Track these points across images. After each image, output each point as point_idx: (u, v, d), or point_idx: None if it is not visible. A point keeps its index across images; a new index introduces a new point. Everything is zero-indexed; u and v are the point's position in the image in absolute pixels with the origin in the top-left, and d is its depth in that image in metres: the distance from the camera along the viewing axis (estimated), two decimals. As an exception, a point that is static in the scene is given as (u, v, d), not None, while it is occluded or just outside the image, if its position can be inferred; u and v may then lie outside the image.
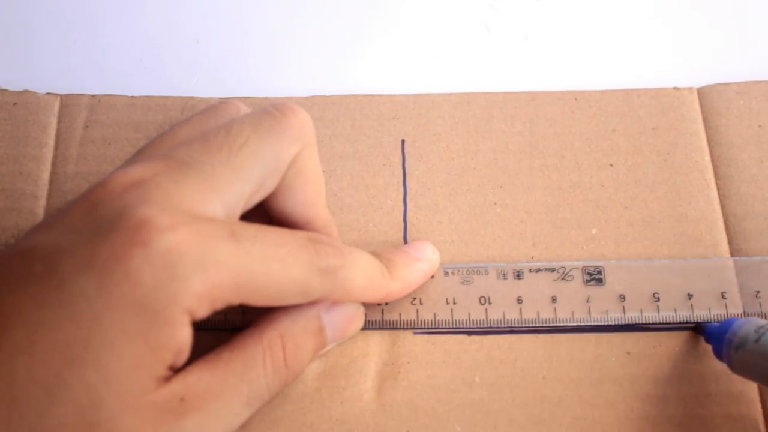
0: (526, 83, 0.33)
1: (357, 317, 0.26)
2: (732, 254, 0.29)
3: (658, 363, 0.27)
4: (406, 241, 0.30)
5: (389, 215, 0.30)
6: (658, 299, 0.28)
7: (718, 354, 0.26)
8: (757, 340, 0.24)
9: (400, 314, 0.28)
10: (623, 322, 0.28)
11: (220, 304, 0.21)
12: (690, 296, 0.28)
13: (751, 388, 0.27)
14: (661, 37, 0.34)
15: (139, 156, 0.24)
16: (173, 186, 0.21)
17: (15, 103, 0.32)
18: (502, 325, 0.28)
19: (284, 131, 0.24)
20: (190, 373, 0.21)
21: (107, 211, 0.20)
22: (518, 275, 0.28)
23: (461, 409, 0.27)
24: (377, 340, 0.28)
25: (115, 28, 0.34)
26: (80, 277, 0.19)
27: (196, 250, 0.20)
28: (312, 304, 0.24)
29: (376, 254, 0.26)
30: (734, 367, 0.25)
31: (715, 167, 0.31)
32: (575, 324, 0.28)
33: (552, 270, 0.28)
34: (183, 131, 0.25)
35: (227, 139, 0.23)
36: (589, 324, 0.28)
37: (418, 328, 0.28)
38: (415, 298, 0.28)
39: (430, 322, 0.28)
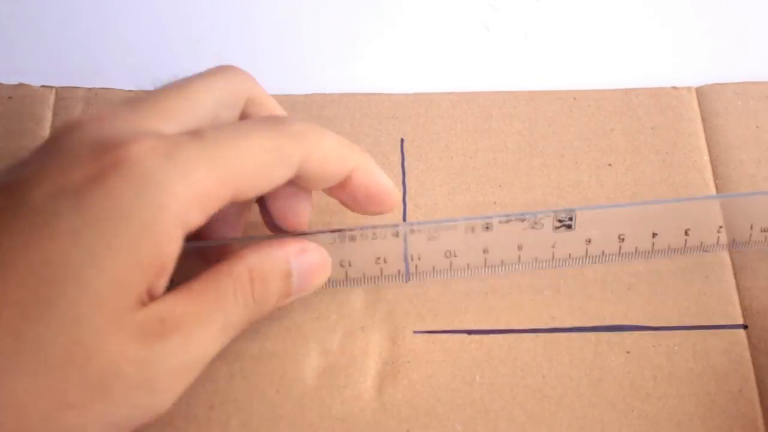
0: (525, 83, 0.33)
1: (324, 267, 0.25)
2: (731, 254, 0.29)
3: (657, 362, 0.27)
4: (406, 240, 0.29)
5: (388, 215, 0.30)
6: (623, 240, 0.27)
7: None
8: None
9: (364, 273, 0.27)
10: (584, 264, 0.28)
11: (211, 206, 0.21)
12: (654, 235, 0.28)
13: (750, 387, 0.27)
14: (659, 36, 0.34)
15: None
16: (130, 114, 0.22)
17: (10, 97, 0.31)
18: (465, 275, 0.28)
19: (233, 73, 0.25)
20: (166, 299, 0.21)
21: (70, 143, 0.20)
22: (487, 227, 0.27)
23: (461, 408, 0.27)
24: (377, 339, 0.28)
25: (112, 20, 0.34)
26: (54, 201, 0.19)
27: (169, 157, 0.20)
28: (281, 245, 0.24)
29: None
30: None
31: (714, 167, 0.31)
32: (541, 267, 0.28)
33: (523, 220, 0.27)
34: None
35: (176, 81, 0.24)
36: (555, 268, 0.28)
37: (386, 283, 0.28)
38: (379, 258, 0.27)
39: (393, 278, 0.28)
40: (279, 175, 0.22)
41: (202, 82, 0.24)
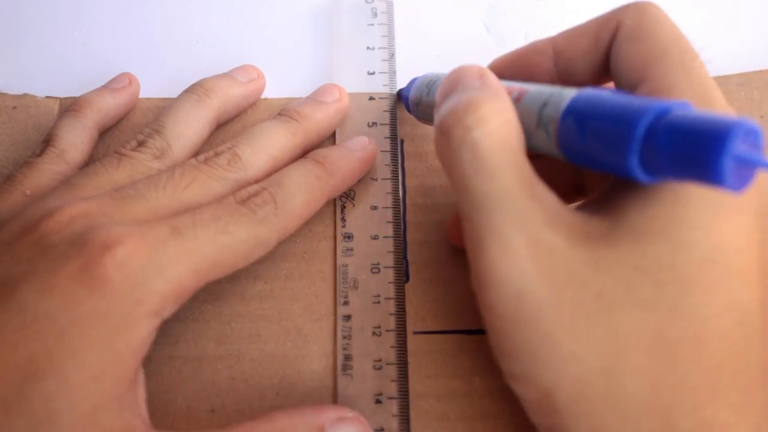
0: (525, 82, 0.33)
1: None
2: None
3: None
4: (405, 241, 0.29)
5: (389, 215, 0.30)
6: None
7: (408, 110, 0.30)
8: (428, 94, 0.28)
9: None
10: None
11: (186, 295, 0.22)
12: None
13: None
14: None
15: (76, 191, 0.25)
16: (118, 212, 0.23)
17: (14, 107, 0.32)
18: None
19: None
20: None
21: (57, 239, 0.22)
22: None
23: (461, 408, 0.26)
24: (377, 339, 0.28)
25: (115, 29, 0.35)
26: (42, 300, 0.20)
27: (149, 255, 0.21)
28: (317, 411, 0.23)
29: (309, 156, 0.27)
30: (420, 117, 0.29)
31: (716, 162, 0.30)
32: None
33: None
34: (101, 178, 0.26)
35: (171, 181, 0.25)
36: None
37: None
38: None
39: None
40: (255, 256, 0.24)
41: (198, 188, 0.25)
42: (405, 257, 0.29)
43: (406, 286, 0.29)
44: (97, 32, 0.35)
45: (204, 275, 0.23)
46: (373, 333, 0.28)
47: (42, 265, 0.21)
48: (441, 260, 0.29)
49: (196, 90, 0.30)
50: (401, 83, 0.33)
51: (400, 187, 0.30)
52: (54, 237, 0.22)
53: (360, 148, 0.29)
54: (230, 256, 0.23)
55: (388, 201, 0.30)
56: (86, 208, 0.23)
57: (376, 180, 0.30)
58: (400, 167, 0.31)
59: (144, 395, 0.23)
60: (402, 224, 0.30)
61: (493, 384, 0.27)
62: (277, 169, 0.27)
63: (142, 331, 0.21)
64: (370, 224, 0.30)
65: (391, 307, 0.28)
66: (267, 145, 0.27)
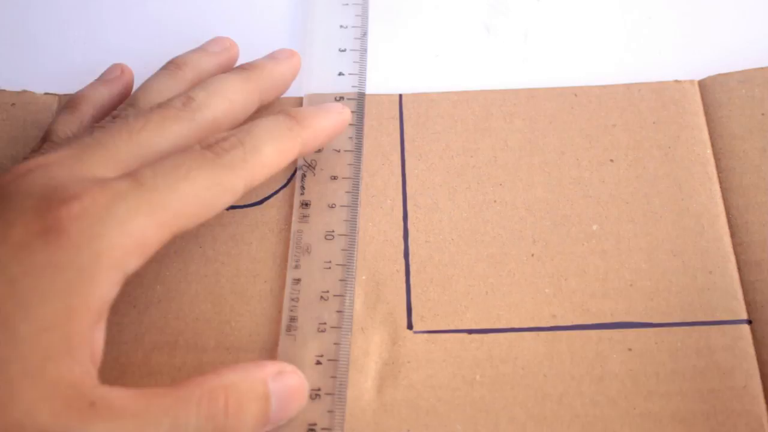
0: (525, 83, 0.33)
1: (302, 392, 0.25)
2: (734, 247, 0.29)
3: (660, 359, 0.27)
4: (406, 242, 0.29)
5: (389, 214, 0.30)
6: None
7: None
8: None
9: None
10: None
11: (151, 249, 0.22)
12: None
13: (755, 384, 0.26)
14: (660, 30, 0.34)
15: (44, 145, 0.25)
16: (77, 163, 0.22)
17: (13, 104, 0.32)
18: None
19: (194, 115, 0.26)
20: (113, 388, 0.21)
21: (13, 190, 0.21)
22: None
23: (462, 408, 0.26)
24: (377, 339, 0.28)
25: (115, 28, 0.35)
26: None
27: (107, 207, 0.21)
28: (259, 366, 0.24)
29: (281, 111, 0.27)
30: None
31: (717, 160, 0.30)
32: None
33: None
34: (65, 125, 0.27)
35: (126, 125, 0.24)
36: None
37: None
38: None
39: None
40: (221, 204, 0.23)
41: (153, 128, 0.24)
42: (406, 257, 0.29)
43: (407, 285, 0.29)
44: (96, 29, 0.34)
45: (168, 226, 0.22)
46: (321, 297, 0.28)
47: None
48: (441, 260, 0.29)
49: (168, 66, 0.30)
50: (401, 83, 0.33)
51: (401, 187, 0.30)
52: (10, 187, 0.21)
53: (334, 110, 0.28)
54: (194, 205, 0.22)
55: (348, 172, 0.30)
56: (43, 160, 0.22)
57: (339, 152, 0.31)
58: (399, 166, 0.31)
59: (100, 352, 0.22)
60: (402, 223, 0.30)
61: (493, 383, 0.27)
62: (234, 113, 0.27)
63: (101, 286, 0.20)
64: (328, 193, 0.30)
65: (341, 273, 0.28)
66: (221, 89, 0.27)
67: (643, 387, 0.26)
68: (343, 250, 0.29)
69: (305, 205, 0.30)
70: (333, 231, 0.29)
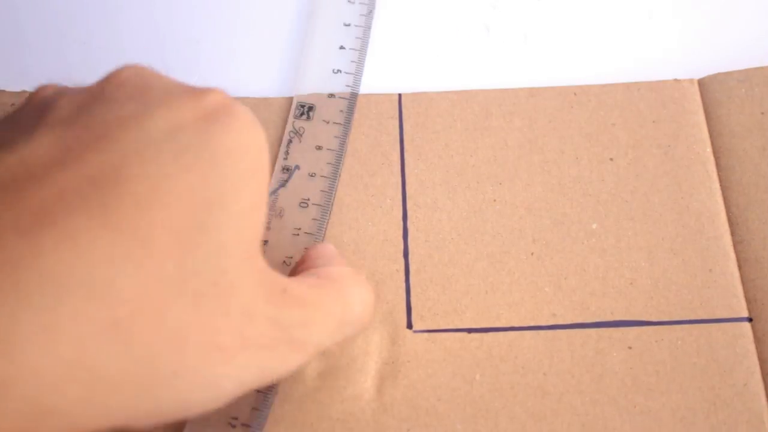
0: (525, 83, 0.33)
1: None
2: (734, 245, 0.29)
3: (660, 357, 0.27)
4: (406, 241, 0.29)
5: (388, 214, 0.30)
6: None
7: None
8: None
9: None
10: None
11: None
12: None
13: (755, 381, 0.26)
14: (661, 28, 0.34)
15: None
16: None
17: (13, 104, 0.32)
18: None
19: None
20: (289, 278, 0.21)
21: (162, 87, 0.20)
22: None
23: (462, 407, 0.26)
24: (377, 339, 0.28)
25: (114, 28, 0.35)
26: (176, 135, 0.18)
27: (233, 102, 0.20)
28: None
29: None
30: None
31: (717, 158, 0.30)
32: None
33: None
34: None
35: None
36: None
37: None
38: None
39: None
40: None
41: None
42: (405, 256, 0.29)
43: (407, 285, 0.29)
44: (96, 31, 0.35)
45: None
46: (284, 262, 0.28)
47: (156, 104, 0.19)
48: (441, 259, 0.29)
49: None
50: (401, 84, 0.33)
51: (400, 186, 0.30)
52: (156, 83, 0.20)
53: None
54: None
55: (335, 144, 0.31)
56: (145, 68, 0.22)
57: (328, 123, 0.31)
58: (399, 166, 0.31)
59: None
60: (402, 222, 0.30)
61: (493, 382, 0.27)
62: None
63: (268, 180, 0.20)
64: (310, 161, 0.30)
65: (308, 242, 0.29)
66: None
67: (644, 385, 0.26)
68: (314, 219, 0.29)
69: (285, 169, 0.30)
70: (308, 199, 0.29)
